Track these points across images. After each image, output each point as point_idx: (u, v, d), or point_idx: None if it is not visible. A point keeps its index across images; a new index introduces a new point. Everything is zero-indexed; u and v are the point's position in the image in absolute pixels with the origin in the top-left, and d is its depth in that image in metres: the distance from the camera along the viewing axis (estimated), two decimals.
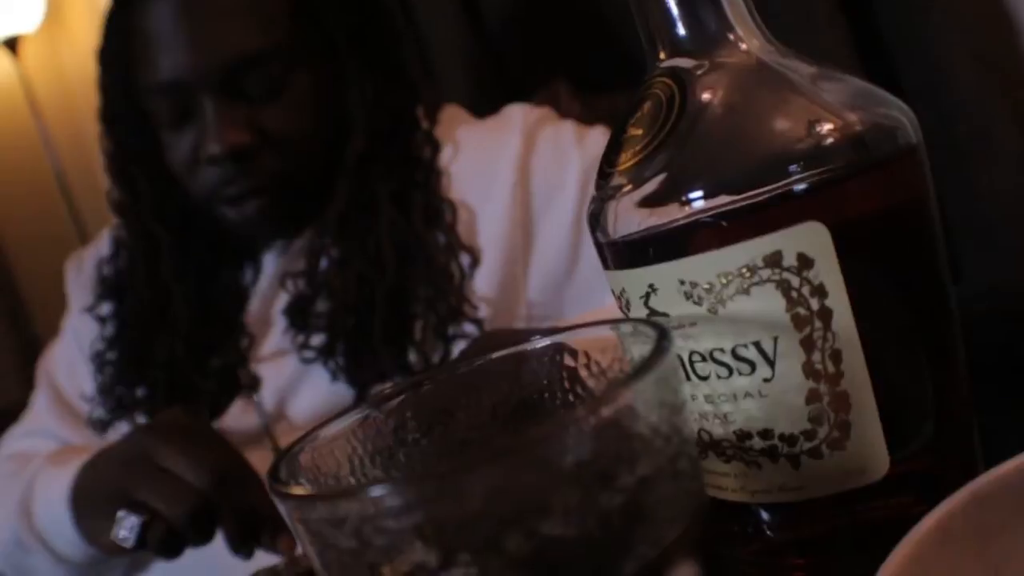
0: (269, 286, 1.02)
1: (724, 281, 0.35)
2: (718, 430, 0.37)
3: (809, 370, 0.35)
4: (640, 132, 0.38)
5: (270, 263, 1.03)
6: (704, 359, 0.36)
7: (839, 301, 0.35)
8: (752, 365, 0.35)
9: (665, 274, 0.36)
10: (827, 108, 0.36)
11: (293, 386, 0.98)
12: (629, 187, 0.38)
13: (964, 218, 1.05)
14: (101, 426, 1.02)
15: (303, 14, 0.96)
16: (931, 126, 0.40)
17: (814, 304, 0.35)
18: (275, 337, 1.00)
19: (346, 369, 0.93)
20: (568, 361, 0.36)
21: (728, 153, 0.36)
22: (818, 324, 0.35)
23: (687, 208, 0.36)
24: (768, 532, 0.39)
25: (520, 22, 1.46)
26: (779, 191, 0.35)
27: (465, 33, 1.50)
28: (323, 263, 0.97)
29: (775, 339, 0.35)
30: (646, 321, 0.32)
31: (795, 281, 0.34)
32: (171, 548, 0.77)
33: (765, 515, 0.39)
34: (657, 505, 0.27)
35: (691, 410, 0.38)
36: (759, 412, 0.36)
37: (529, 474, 0.25)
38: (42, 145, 2.86)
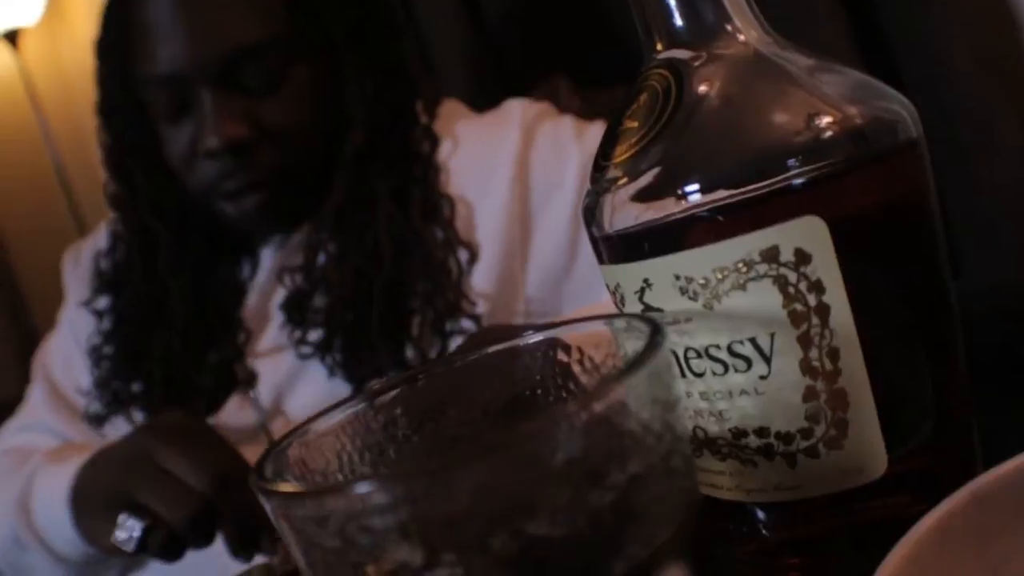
0: (266, 281, 1.02)
1: (720, 276, 0.34)
2: (713, 428, 0.37)
3: (806, 367, 0.34)
4: (636, 124, 0.38)
5: (268, 258, 1.03)
6: (699, 355, 0.36)
7: (837, 297, 0.34)
8: (748, 362, 0.35)
9: (660, 269, 0.36)
10: (826, 101, 0.35)
11: (290, 382, 0.98)
12: (624, 180, 0.37)
13: (965, 214, 1.04)
14: (97, 421, 1.01)
15: (302, 7, 0.95)
16: (931, 121, 0.39)
17: (811, 300, 0.34)
18: (272, 332, 1.00)
19: (343, 365, 0.93)
20: (561, 356, 0.36)
21: (725, 146, 0.36)
22: (815, 320, 0.34)
23: (683, 202, 0.35)
24: (764, 532, 0.39)
25: (520, 17, 1.46)
26: (777, 185, 0.34)
27: (465, 28, 1.49)
28: (321, 258, 0.97)
29: (772, 335, 0.34)
30: (640, 316, 0.31)
31: (792, 276, 0.34)
32: (172, 552, 0.77)
33: (761, 514, 0.38)
34: (649, 504, 0.26)
35: (686, 407, 0.37)
36: (755, 410, 0.35)
37: (516, 471, 0.24)
38: (42, 139, 2.86)
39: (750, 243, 0.34)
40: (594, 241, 0.40)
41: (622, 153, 0.38)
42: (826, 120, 0.35)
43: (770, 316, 0.34)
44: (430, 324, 0.92)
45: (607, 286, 0.40)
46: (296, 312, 0.96)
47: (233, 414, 0.98)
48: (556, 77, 1.25)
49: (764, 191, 0.34)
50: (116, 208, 1.05)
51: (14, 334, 2.80)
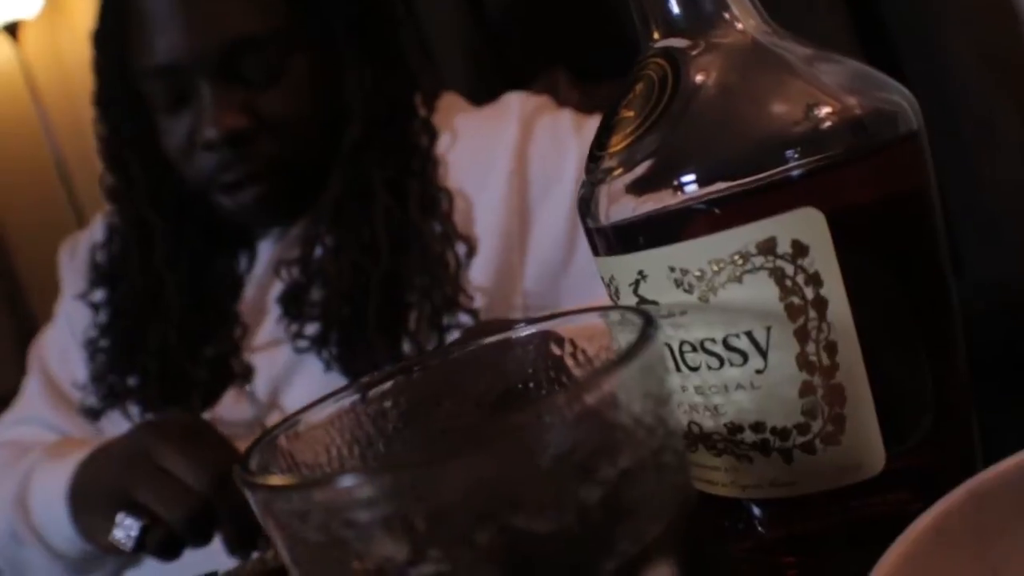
0: (263, 274, 1.01)
1: (715, 268, 0.34)
2: (708, 423, 0.36)
3: (803, 362, 0.34)
4: (632, 114, 0.37)
5: (265, 251, 1.02)
6: (694, 349, 0.35)
7: (835, 290, 0.33)
8: (744, 356, 0.34)
9: (655, 260, 0.35)
10: (825, 91, 0.35)
11: (287, 376, 0.97)
12: (620, 170, 0.36)
13: (966, 210, 1.04)
14: (93, 414, 1.01)
15: None
16: (933, 116, 0.39)
17: (809, 293, 0.33)
18: (269, 326, 0.99)
19: (340, 359, 0.93)
20: (554, 349, 0.35)
21: (722, 136, 0.35)
22: (813, 314, 0.33)
23: (678, 192, 0.34)
24: (760, 528, 0.38)
25: (520, 10, 1.45)
26: (774, 176, 0.33)
27: (465, 21, 1.49)
28: (318, 251, 0.96)
29: (768, 329, 0.34)
30: (633, 309, 0.31)
31: (789, 269, 0.33)
32: (170, 551, 0.77)
33: (757, 511, 0.38)
34: (639, 500, 0.26)
35: (681, 402, 0.37)
36: (751, 404, 0.35)
37: (503, 465, 0.24)
38: (42, 131, 2.86)
39: (746, 235, 0.33)
40: (589, 233, 0.39)
41: (617, 143, 0.37)
42: (825, 110, 0.34)
43: (766, 309, 0.34)
44: (427, 318, 0.91)
45: (602, 278, 0.39)
46: (293, 305, 0.96)
47: (229, 408, 0.97)
48: (555, 71, 1.24)
49: (761, 182, 0.33)
50: (113, 200, 1.04)
51: (13, 327, 2.80)
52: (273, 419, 0.96)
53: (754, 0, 0.38)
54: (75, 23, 2.77)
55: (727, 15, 0.37)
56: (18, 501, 0.92)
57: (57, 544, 0.90)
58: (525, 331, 0.36)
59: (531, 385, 0.35)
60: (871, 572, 0.27)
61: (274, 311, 0.98)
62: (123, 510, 0.77)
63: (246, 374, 0.98)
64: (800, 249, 0.33)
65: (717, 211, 0.34)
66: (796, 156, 0.33)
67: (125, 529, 0.77)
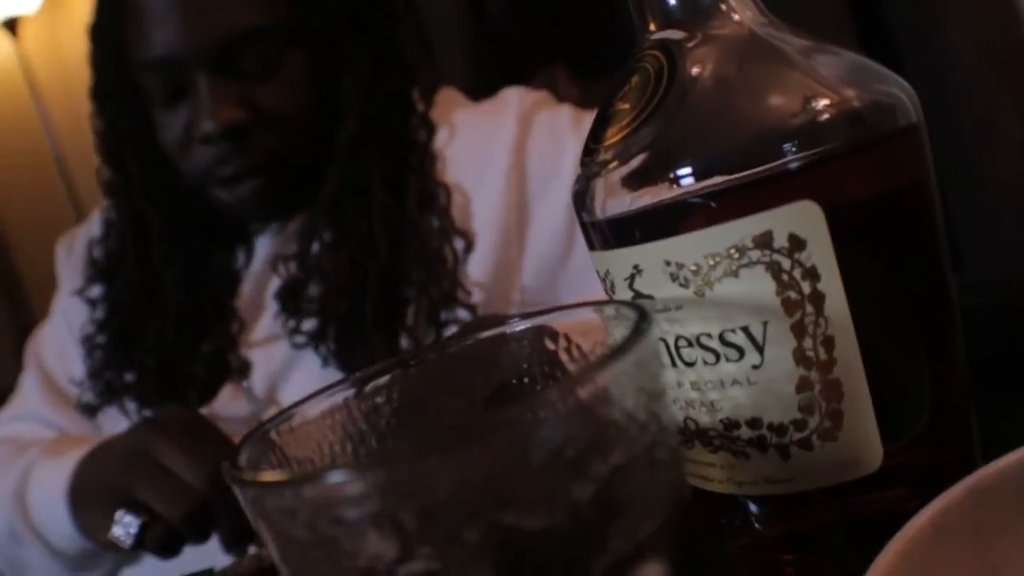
0: (261, 269, 1.01)
1: (711, 263, 0.33)
2: (704, 419, 0.36)
3: (800, 357, 0.33)
4: (627, 106, 0.37)
5: (263, 246, 1.02)
6: (690, 344, 0.35)
7: (832, 285, 0.33)
8: (740, 351, 0.34)
9: (650, 255, 0.35)
10: (823, 83, 0.34)
11: (284, 372, 0.97)
12: (615, 163, 0.36)
13: (966, 207, 1.03)
14: (90, 411, 1.01)
15: None
16: (933, 112, 0.38)
17: (806, 288, 0.33)
18: (266, 322, 0.99)
19: (337, 355, 0.92)
20: (549, 344, 0.35)
21: (718, 128, 0.35)
22: (810, 309, 0.33)
23: (674, 185, 0.34)
24: (756, 525, 0.38)
25: (520, 6, 1.45)
26: (771, 169, 0.33)
27: (465, 17, 1.49)
28: (315, 246, 0.96)
29: (764, 324, 0.33)
30: (627, 303, 0.30)
31: (786, 263, 0.33)
32: (169, 548, 0.76)
33: (753, 507, 0.37)
34: (632, 496, 0.25)
35: (676, 398, 0.36)
36: (747, 400, 0.34)
37: (494, 461, 0.23)
38: (41, 127, 2.85)
39: (743, 228, 0.33)
40: (584, 227, 0.39)
41: (613, 136, 0.37)
42: (823, 103, 0.34)
43: (763, 304, 0.33)
44: (425, 314, 0.91)
45: (597, 273, 0.39)
46: (290, 301, 0.95)
47: (226, 404, 0.97)
48: (555, 67, 1.24)
49: (758, 175, 0.33)
50: (109, 195, 1.04)
51: (13, 323, 2.80)
52: (270, 415, 0.96)
53: None
54: (74, 18, 2.77)
55: (724, 6, 0.37)
56: (17, 499, 0.92)
57: (56, 542, 0.90)
58: (519, 326, 0.35)
59: (525, 380, 0.35)
60: (869, 569, 0.26)
61: (271, 307, 0.98)
62: (122, 507, 0.77)
63: (243, 370, 0.97)
64: (797, 243, 0.33)
65: (713, 205, 0.33)
66: (793, 149, 0.33)
67: (124, 526, 0.77)
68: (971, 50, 1.03)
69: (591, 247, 0.39)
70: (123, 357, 1.00)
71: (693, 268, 0.34)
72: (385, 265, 0.91)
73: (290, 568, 0.27)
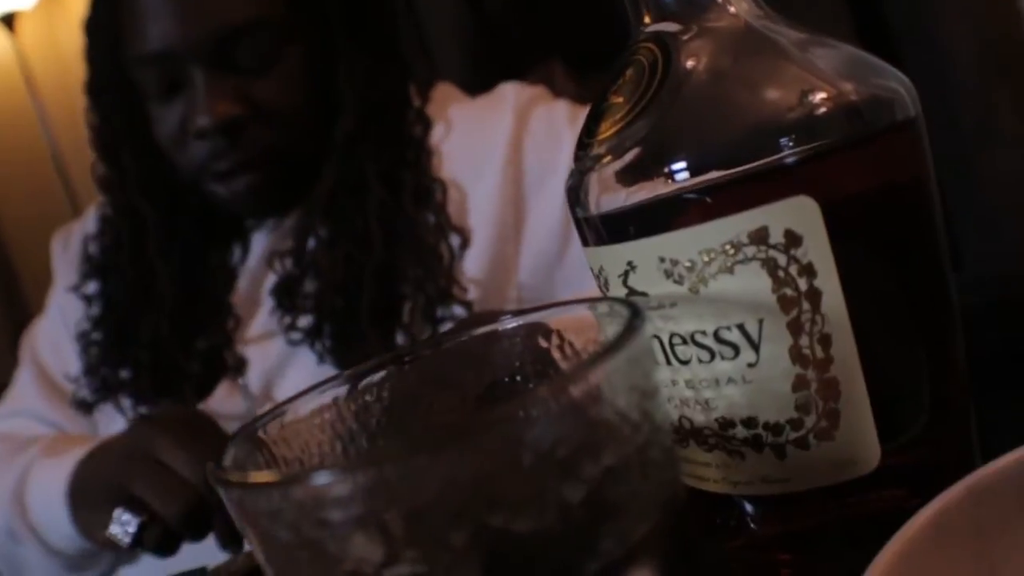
0: (257, 266, 1.01)
1: (706, 259, 0.33)
2: (699, 417, 0.35)
3: (796, 355, 0.33)
4: (621, 100, 0.36)
5: (258, 242, 1.02)
6: (685, 342, 0.34)
7: (829, 282, 0.32)
8: (735, 349, 0.33)
9: (644, 251, 0.34)
10: (820, 76, 0.34)
11: (280, 368, 0.97)
12: (608, 158, 0.35)
13: (965, 203, 1.03)
14: (85, 407, 1.00)
15: None
16: (932, 108, 0.38)
17: (802, 284, 0.32)
18: (262, 318, 0.99)
19: (333, 351, 0.92)
20: (541, 342, 0.34)
21: (713, 122, 0.34)
22: (806, 306, 0.32)
23: (668, 180, 0.33)
24: (752, 525, 0.37)
25: (518, 2, 1.44)
26: (767, 164, 0.32)
27: (463, 12, 1.48)
28: (311, 243, 0.95)
29: (760, 321, 0.33)
30: (621, 300, 0.30)
31: (782, 259, 0.32)
32: (166, 547, 0.76)
33: (749, 507, 0.37)
34: (624, 498, 0.25)
35: (671, 396, 0.36)
36: (742, 399, 0.34)
37: (481, 462, 0.23)
38: (38, 123, 2.85)
39: (738, 224, 0.32)
40: (578, 223, 0.38)
41: (606, 130, 0.36)
42: (820, 96, 0.33)
43: (759, 301, 0.33)
44: (421, 310, 0.90)
45: (591, 269, 0.38)
46: (286, 297, 0.95)
47: (222, 401, 0.96)
48: (551, 62, 1.24)
49: (754, 170, 0.32)
50: (104, 190, 1.04)
51: (9, 319, 2.79)
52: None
53: None
54: (72, 13, 2.76)
55: None
56: (15, 498, 0.92)
57: (55, 542, 0.90)
58: (512, 323, 0.35)
59: (518, 378, 0.34)
60: (868, 570, 0.26)
61: (267, 303, 0.97)
62: (121, 505, 0.76)
63: (239, 366, 0.97)
64: (793, 239, 0.32)
65: (708, 200, 0.33)
66: (790, 143, 0.32)
67: (123, 525, 0.76)
68: (971, 48, 1.03)
69: (585, 243, 0.38)
70: (119, 353, 1.00)
71: (688, 264, 0.33)
72: (381, 261, 0.91)
73: (275, 570, 0.26)
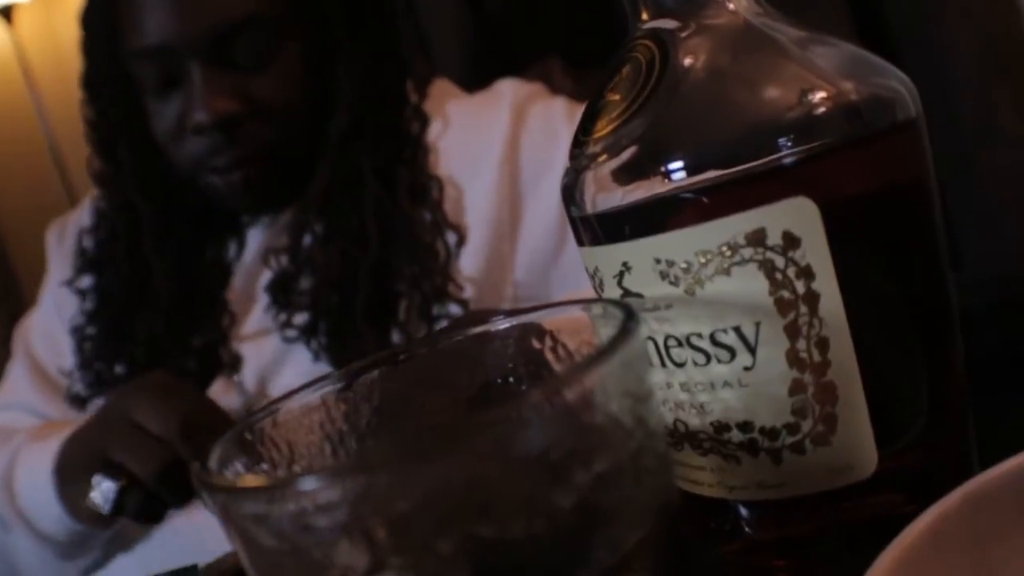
0: (253, 262, 1.00)
1: (703, 260, 0.32)
2: (694, 421, 0.35)
3: (793, 359, 0.32)
4: (618, 98, 0.35)
5: (254, 239, 1.01)
6: (680, 344, 0.34)
7: (827, 284, 0.32)
8: (731, 352, 0.33)
9: (640, 251, 0.34)
10: (820, 75, 0.33)
11: (275, 366, 0.96)
12: (604, 157, 0.35)
13: (965, 203, 1.02)
14: (79, 402, 1.00)
15: None
16: (932, 108, 0.37)
17: (800, 287, 0.32)
18: (257, 315, 0.98)
19: (328, 349, 0.92)
20: (534, 343, 0.33)
21: (711, 121, 0.33)
22: (804, 309, 0.32)
23: (664, 180, 0.33)
24: (748, 530, 0.37)
25: None
26: (765, 164, 0.32)
27: (461, 8, 1.47)
28: (307, 239, 0.95)
29: (757, 324, 0.32)
30: (615, 302, 0.29)
31: (780, 262, 0.32)
32: (149, 512, 0.75)
33: (744, 511, 0.36)
34: (616, 505, 0.24)
35: (666, 399, 0.35)
36: (738, 403, 0.33)
37: (469, 468, 0.22)
38: (36, 115, 2.84)
39: (735, 225, 0.32)
40: (573, 222, 0.38)
41: (602, 128, 0.35)
42: (819, 96, 0.33)
43: (755, 303, 0.32)
44: (417, 308, 0.90)
45: (586, 269, 0.38)
46: (281, 294, 0.94)
47: (217, 398, 0.96)
48: (549, 59, 1.23)
49: (752, 170, 0.32)
50: (100, 184, 1.03)
51: (5, 312, 2.78)
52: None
53: None
54: (70, 6, 2.74)
55: None
56: (3, 485, 0.92)
57: (44, 526, 0.89)
58: (505, 324, 0.34)
59: (510, 380, 0.34)
60: None
61: (262, 300, 0.97)
62: (100, 472, 0.76)
63: (234, 364, 0.97)
64: (791, 241, 0.31)
65: (705, 200, 0.32)
66: (789, 143, 0.32)
67: (103, 492, 0.75)
68: (971, 47, 1.02)
69: (580, 243, 0.38)
70: (113, 349, 0.99)
71: (684, 266, 0.33)
72: (376, 259, 0.90)
73: (258, 574, 0.26)
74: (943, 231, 0.36)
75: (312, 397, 0.33)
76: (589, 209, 0.36)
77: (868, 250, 0.34)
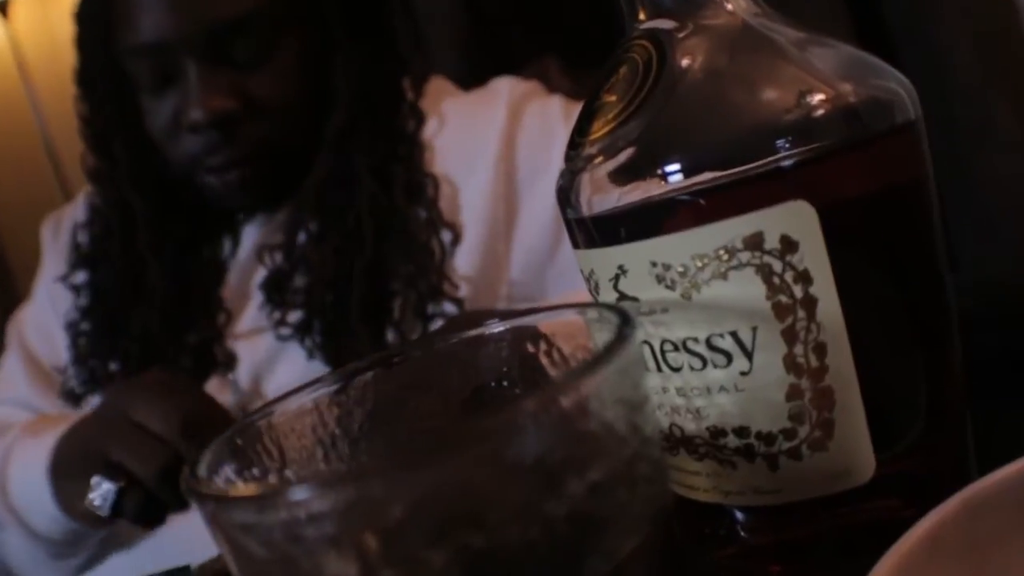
0: (247, 260, 1.00)
1: (699, 264, 0.32)
2: (690, 426, 0.34)
3: (790, 363, 0.32)
4: (614, 99, 0.35)
5: (249, 236, 1.01)
6: (676, 349, 0.33)
7: (825, 289, 0.31)
8: (728, 357, 0.32)
9: (636, 255, 0.33)
10: (818, 77, 0.33)
11: (269, 364, 0.96)
12: (600, 158, 0.35)
13: (963, 207, 1.02)
14: (74, 398, 0.99)
15: None
16: (931, 110, 0.37)
17: (797, 291, 0.31)
18: (252, 313, 0.98)
19: (323, 347, 0.91)
20: (529, 347, 0.33)
21: (709, 123, 0.33)
22: (801, 314, 0.32)
23: (661, 183, 0.32)
24: (743, 534, 0.37)
25: None
26: (763, 167, 0.32)
27: (458, 7, 1.47)
28: (302, 237, 0.95)
29: (754, 329, 0.32)
30: (611, 306, 0.29)
31: (777, 266, 0.31)
32: (149, 515, 0.75)
33: (740, 516, 0.36)
34: (611, 514, 0.24)
35: (662, 403, 0.35)
36: (735, 408, 0.33)
37: (460, 478, 0.22)
38: (31, 110, 2.83)
39: (732, 229, 0.31)
40: (568, 224, 0.37)
41: (599, 129, 0.35)
42: (818, 98, 0.32)
43: (752, 308, 0.32)
44: (412, 307, 0.90)
45: (581, 272, 0.37)
46: (276, 292, 0.94)
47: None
48: (546, 58, 1.23)
49: (749, 173, 0.32)
50: (95, 181, 1.03)
51: (1, 307, 2.78)
52: (256, 407, 0.94)
53: None
54: (65, 1, 2.75)
55: None
56: None
57: (37, 524, 0.89)
58: (499, 327, 0.34)
59: (504, 383, 0.34)
60: None
61: (257, 297, 0.96)
62: (99, 473, 0.75)
63: (228, 362, 0.96)
64: (789, 245, 0.31)
65: (702, 203, 0.32)
66: (787, 146, 0.32)
67: (101, 493, 0.75)
68: (969, 49, 1.02)
69: (575, 245, 0.37)
70: (108, 345, 0.99)
71: (680, 269, 0.32)
72: (371, 257, 0.90)
73: None
74: (941, 234, 0.36)
75: (305, 400, 0.33)
76: (585, 211, 0.35)
77: (866, 254, 0.33)
